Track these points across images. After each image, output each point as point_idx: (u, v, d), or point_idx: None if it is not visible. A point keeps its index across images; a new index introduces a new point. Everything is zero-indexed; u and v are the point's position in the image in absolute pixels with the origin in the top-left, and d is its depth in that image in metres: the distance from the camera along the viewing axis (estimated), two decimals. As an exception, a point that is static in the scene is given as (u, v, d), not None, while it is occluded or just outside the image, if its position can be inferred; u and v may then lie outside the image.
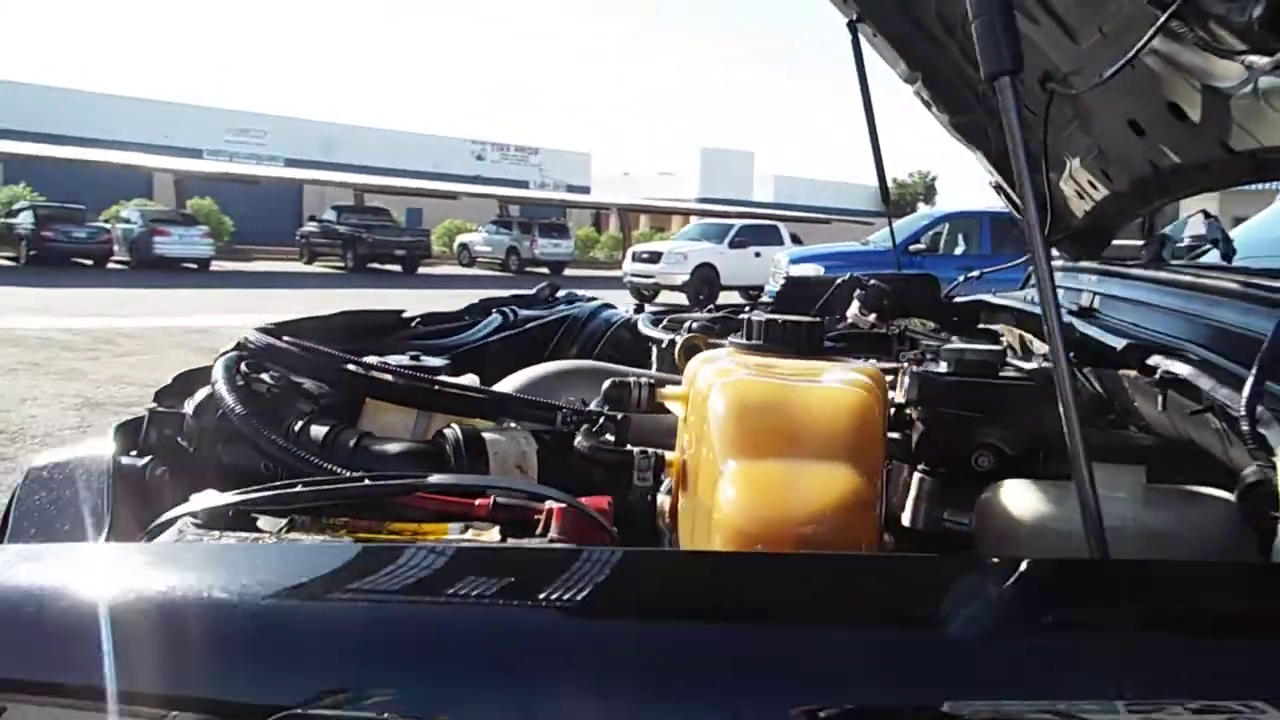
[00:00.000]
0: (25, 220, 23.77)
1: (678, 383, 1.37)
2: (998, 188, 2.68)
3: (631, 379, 1.35)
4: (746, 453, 1.04)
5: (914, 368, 1.35)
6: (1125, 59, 1.47)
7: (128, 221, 25.32)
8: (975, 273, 2.73)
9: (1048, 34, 1.87)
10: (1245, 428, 0.85)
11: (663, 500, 1.27)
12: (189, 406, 1.36)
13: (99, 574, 0.78)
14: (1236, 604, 0.73)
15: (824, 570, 0.83)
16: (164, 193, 29.93)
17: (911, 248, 15.14)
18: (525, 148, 47.72)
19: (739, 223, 23.94)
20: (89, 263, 23.35)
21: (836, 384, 1.14)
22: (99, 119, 33.80)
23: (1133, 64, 1.55)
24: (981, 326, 2.36)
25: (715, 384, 1.13)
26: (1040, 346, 1.70)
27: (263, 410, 1.29)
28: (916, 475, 1.34)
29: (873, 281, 2.23)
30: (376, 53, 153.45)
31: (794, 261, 15.31)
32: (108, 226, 24.99)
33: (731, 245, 21.72)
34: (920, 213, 21.88)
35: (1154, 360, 1.19)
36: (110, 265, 23.81)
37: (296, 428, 1.29)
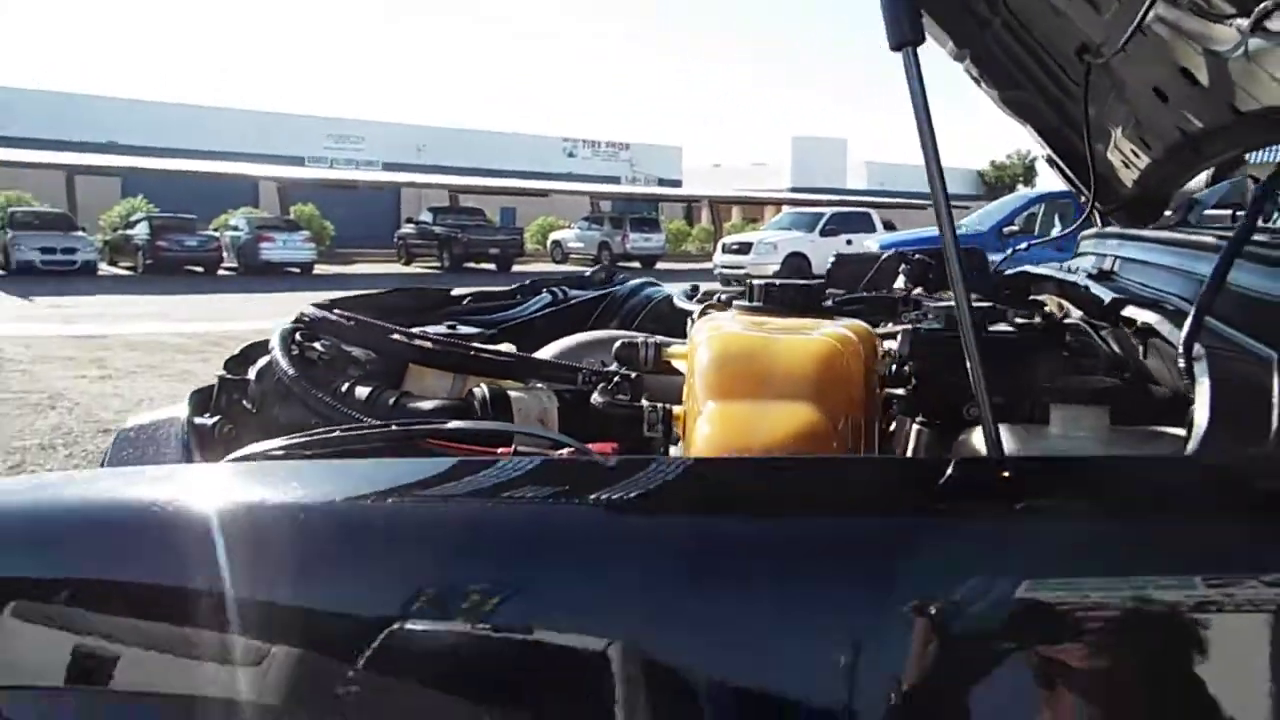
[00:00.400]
0: (141, 231, 24.90)
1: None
2: (1050, 160, 2.70)
3: (640, 340, 1.46)
4: (722, 395, 1.15)
5: (909, 325, 1.43)
6: (1131, 27, 1.52)
7: (235, 229, 26.32)
8: (1023, 246, 2.75)
9: (1076, 8, 1.91)
10: (1181, 364, 0.91)
11: (675, 453, 1.37)
12: (252, 373, 1.51)
13: (200, 486, 0.87)
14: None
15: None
16: (269, 200, 31.01)
17: (1005, 229, 14.86)
18: (616, 143, 48.03)
19: (830, 211, 23.78)
20: (200, 270, 24.35)
21: (810, 335, 1.23)
22: (207, 131, 35.21)
23: (1144, 31, 1.59)
24: (1032, 298, 2.40)
25: (704, 337, 1.24)
26: (1076, 311, 1.74)
27: (313, 373, 1.44)
28: (914, 426, 1.42)
29: (917, 256, 2.29)
30: (466, 57, 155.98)
31: (884, 248, 15.15)
32: (217, 235, 26.04)
33: (823, 234, 21.59)
34: (1015, 194, 21.43)
35: (1128, 311, 1.25)
36: (220, 271, 24.79)
37: (344, 388, 1.43)
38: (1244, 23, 1.18)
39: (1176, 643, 0.66)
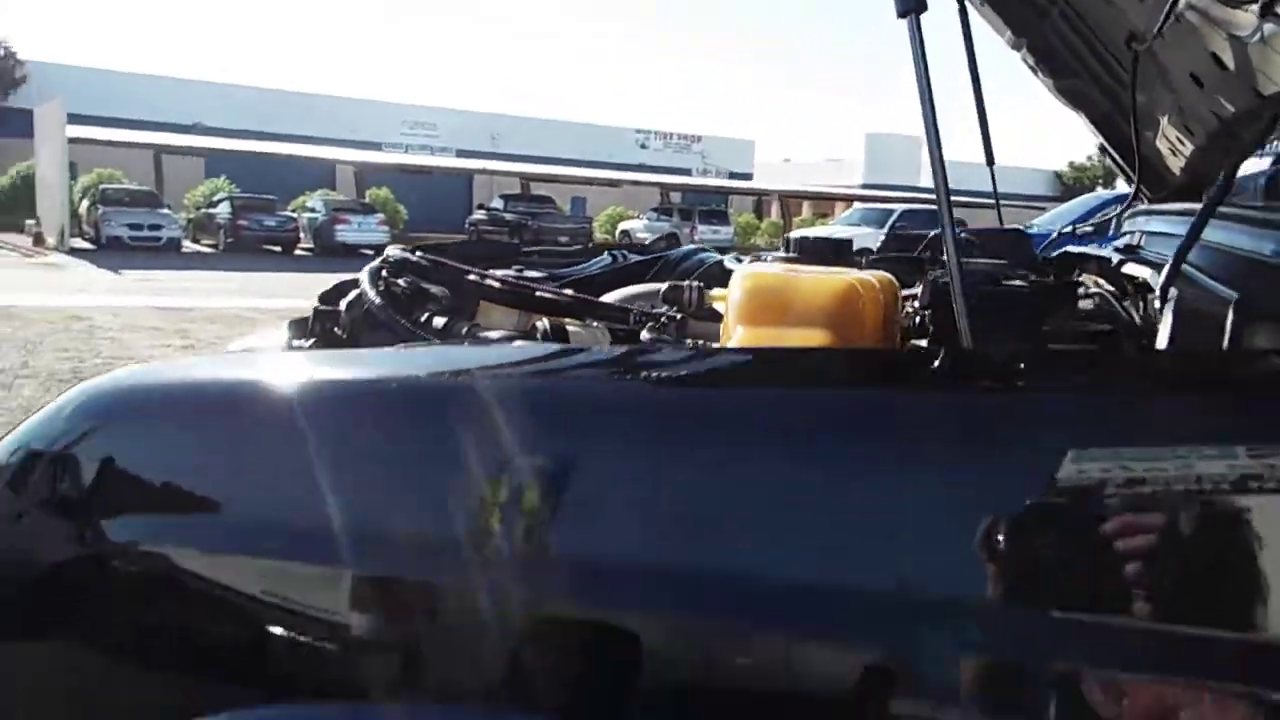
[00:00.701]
0: (223, 210, 25.68)
1: None
2: (1102, 149, 2.78)
3: (686, 284, 1.60)
4: (749, 322, 1.30)
5: (930, 279, 1.55)
6: (1164, 12, 1.62)
7: (312, 211, 26.98)
8: (1068, 227, 2.83)
9: (1121, -6, 2.00)
10: (1157, 305, 1.01)
11: None
12: (343, 304, 1.69)
13: (301, 369, 0.96)
14: None
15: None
16: (345, 183, 31.69)
17: (1079, 229, 14.67)
18: (689, 135, 48.08)
19: (900, 207, 23.63)
20: (278, 249, 25.01)
21: (832, 276, 1.36)
22: (287, 115, 36.05)
23: (1178, 17, 1.68)
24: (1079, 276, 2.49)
25: (739, 276, 1.38)
26: (1104, 284, 1.84)
27: (397, 305, 1.60)
28: None
29: (964, 235, 2.39)
30: (540, 46, 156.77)
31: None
32: (294, 216, 26.73)
33: (892, 230, 21.49)
34: (1089, 195, 21.09)
35: (1127, 269, 1.35)
36: (297, 251, 25.44)
37: (423, 318, 1.59)
38: (1255, 8, 1.27)
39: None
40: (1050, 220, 15.73)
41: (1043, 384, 0.73)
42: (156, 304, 12.38)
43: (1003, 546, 0.61)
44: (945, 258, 0.88)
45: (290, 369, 0.95)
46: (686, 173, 43.92)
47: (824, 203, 41.89)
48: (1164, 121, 2.35)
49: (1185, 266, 1.12)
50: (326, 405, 0.88)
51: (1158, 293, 1.02)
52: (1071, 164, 52.29)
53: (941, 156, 0.88)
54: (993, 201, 2.78)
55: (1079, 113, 2.75)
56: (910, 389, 0.74)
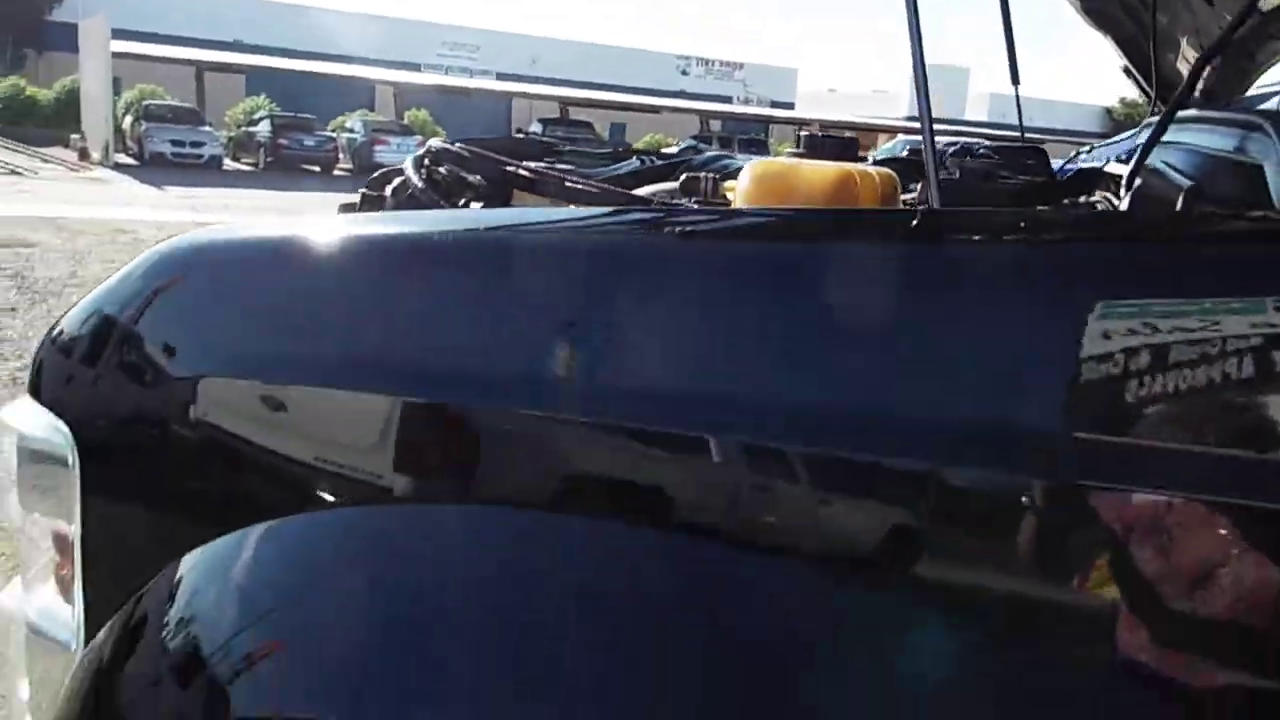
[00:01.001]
0: (264, 129, 25.78)
1: None
2: (1125, 71, 2.81)
3: (703, 174, 1.70)
4: (752, 203, 1.39)
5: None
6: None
7: (351, 131, 27.05)
8: (1086, 148, 2.88)
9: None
10: (1123, 193, 1.10)
11: None
12: (388, 190, 1.81)
13: (375, 224, 1.00)
14: None
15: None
16: (384, 104, 31.65)
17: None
18: (730, 63, 47.43)
19: (944, 140, 23.28)
20: (317, 169, 25.14)
21: (832, 166, 1.45)
22: (327, 34, 35.90)
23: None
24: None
25: (748, 167, 1.48)
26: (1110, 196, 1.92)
27: (438, 191, 1.72)
28: None
29: (981, 150, 2.45)
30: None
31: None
32: (334, 136, 26.81)
33: (933, 162, 21.22)
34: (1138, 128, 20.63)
35: (1109, 168, 1.44)
36: (335, 172, 25.56)
37: (461, 203, 1.71)
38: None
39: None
40: (1093, 159, 15.50)
41: (1003, 239, 0.80)
42: (200, 219, 12.58)
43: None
44: (920, 125, 0.95)
45: (366, 224, 0.98)
46: (727, 100, 43.38)
47: (866, 135, 41.28)
48: (1184, 43, 2.40)
49: (1160, 163, 1.20)
50: (406, 254, 0.90)
51: (1124, 183, 1.11)
52: (1123, 100, 51.01)
53: (921, 40, 0.93)
54: (1036, 139, 2.82)
55: (1104, 34, 2.78)
56: (893, 241, 0.80)
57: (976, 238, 0.78)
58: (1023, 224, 0.81)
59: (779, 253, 0.80)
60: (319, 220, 0.95)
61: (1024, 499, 0.66)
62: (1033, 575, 0.67)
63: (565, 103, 33.27)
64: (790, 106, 45.98)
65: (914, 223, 0.77)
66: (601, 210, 1.27)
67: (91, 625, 0.95)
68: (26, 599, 1.06)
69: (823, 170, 1.43)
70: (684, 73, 45.51)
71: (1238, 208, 1.03)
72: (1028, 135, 2.94)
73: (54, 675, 0.98)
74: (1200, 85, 2.53)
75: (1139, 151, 1.09)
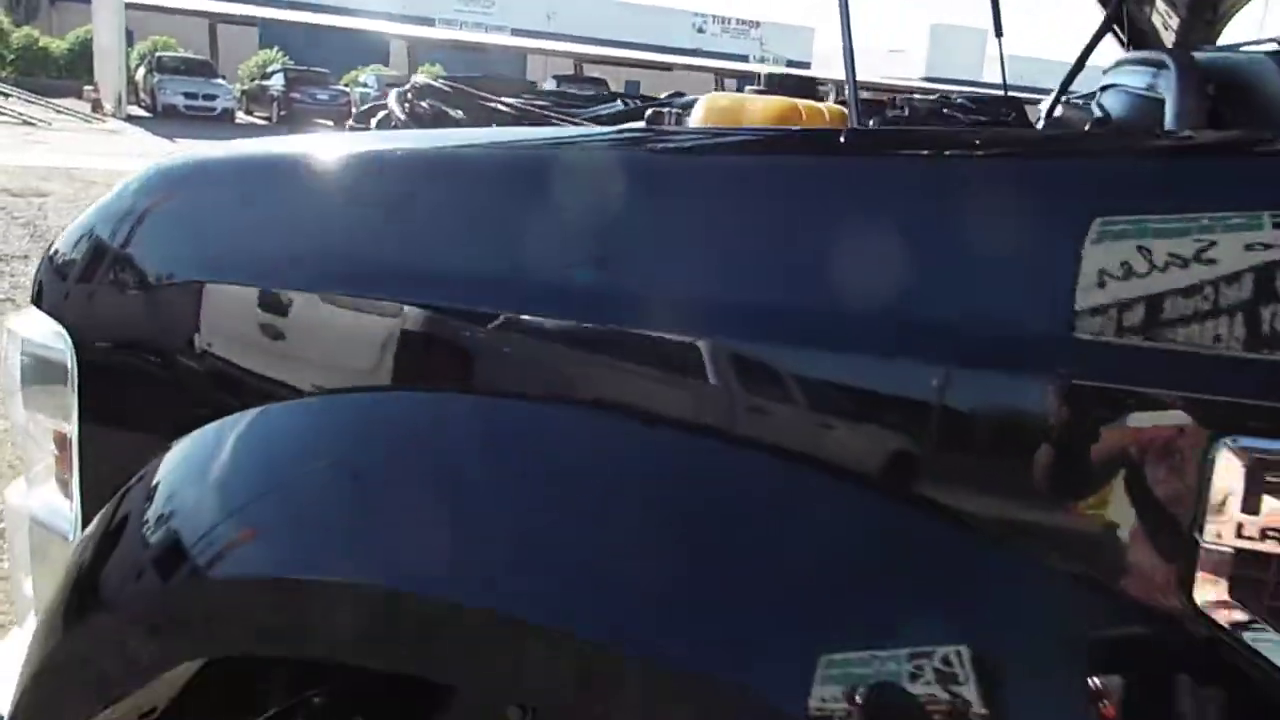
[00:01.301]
0: (277, 82, 25.77)
1: None
2: (1106, 22, 2.85)
3: (667, 108, 1.78)
4: None
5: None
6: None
7: (365, 86, 26.94)
8: (1064, 97, 2.92)
9: None
10: (1040, 124, 1.17)
11: None
12: (373, 123, 1.88)
13: (372, 140, 1.06)
14: None
15: None
16: (398, 59, 31.53)
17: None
18: (747, 21, 46.96)
19: (960, 100, 23.10)
20: (329, 124, 25.09)
21: (780, 99, 1.53)
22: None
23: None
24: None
25: (702, 99, 1.56)
26: None
27: (421, 124, 1.79)
28: None
29: (959, 100, 2.51)
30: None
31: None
32: (347, 90, 26.75)
33: (947, 123, 21.10)
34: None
35: (1043, 103, 1.51)
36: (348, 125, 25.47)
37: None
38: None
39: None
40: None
41: (912, 150, 0.86)
42: (210, 171, 12.62)
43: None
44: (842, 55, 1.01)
45: (346, 142, 1.01)
46: (743, 59, 43.01)
47: (881, 94, 40.92)
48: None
49: (1094, 103, 1.27)
50: (400, 166, 0.95)
51: (1044, 114, 1.18)
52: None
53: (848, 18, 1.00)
54: (1040, 96, 2.87)
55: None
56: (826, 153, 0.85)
57: (889, 151, 0.85)
58: (931, 140, 0.89)
59: (716, 164, 0.86)
60: (301, 139, 1.00)
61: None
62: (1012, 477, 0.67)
63: (580, 59, 33.08)
64: (806, 65, 45.55)
65: (841, 139, 0.84)
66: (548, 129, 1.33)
67: (87, 519, 1.01)
68: (31, 494, 1.13)
69: (771, 102, 1.50)
70: (700, 30, 45.09)
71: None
72: (1035, 97, 2.98)
73: (56, 566, 1.04)
74: (1174, 44, 2.58)
75: (1058, 87, 1.16)
